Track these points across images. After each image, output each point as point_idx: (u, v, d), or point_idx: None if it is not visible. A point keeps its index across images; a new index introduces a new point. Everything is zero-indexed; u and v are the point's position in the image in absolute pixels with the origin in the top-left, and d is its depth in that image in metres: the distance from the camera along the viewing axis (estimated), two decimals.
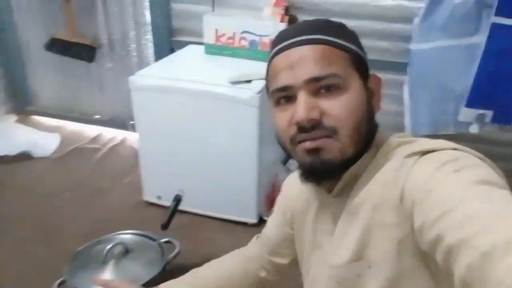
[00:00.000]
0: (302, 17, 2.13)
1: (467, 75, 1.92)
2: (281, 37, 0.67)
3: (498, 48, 1.83)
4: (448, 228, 0.46)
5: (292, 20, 2.06)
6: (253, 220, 1.96)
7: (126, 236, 1.54)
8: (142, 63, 2.52)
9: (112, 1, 2.46)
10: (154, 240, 1.51)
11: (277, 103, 0.67)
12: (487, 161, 0.57)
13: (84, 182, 2.25)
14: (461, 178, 0.52)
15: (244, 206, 1.94)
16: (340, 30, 0.67)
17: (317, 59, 0.62)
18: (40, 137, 2.59)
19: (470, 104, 1.94)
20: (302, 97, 0.62)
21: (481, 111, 1.94)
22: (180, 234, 1.67)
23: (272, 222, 0.93)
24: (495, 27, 1.81)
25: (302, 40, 0.64)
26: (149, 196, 2.07)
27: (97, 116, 2.82)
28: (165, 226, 1.55)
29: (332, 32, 0.65)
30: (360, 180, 0.66)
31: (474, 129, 1.99)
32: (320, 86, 0.62)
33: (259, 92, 1.69)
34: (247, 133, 1.78)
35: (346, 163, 0.65)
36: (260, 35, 2.03)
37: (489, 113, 1.95)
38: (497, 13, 1.79)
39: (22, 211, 2.02)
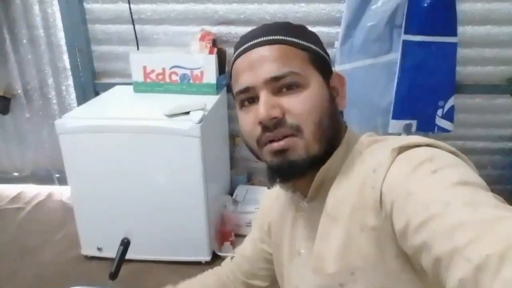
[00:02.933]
0: (229, 50, 2.16)
1: (390, 90, 2.06)
2: (242, 41, 0.68)
3: (411, 63, 2.01)
4: (435, 235, 0.45)
5: (220, 52, 2.07)
6: (206, 257, 1.85)
7: None
8: (64, 111, 2.36)
9: (25, 47, 2.31)
10: None
11: (242, 105, 0.67)
12: (460, 155, 0.57)
13: (9, 244, 2.01)
14: (440, 179, 0.51)
15: (195, 244, 1.83)
16: (300, 31, 0.68)
17: (275, 58, 0.63)
18: None
19: (396, 116, 2.08)
20: (263, 97, 0.63)
21: (407, 122, 2.09)
22: (130, 283, 1.52)
23: (249, 240, 0.91)
24: (406, 45, 1.99)
25: (261, 41, 0.65)
26: (88, 249, 1.87)
27: (15, 174, 2.56)
28: (113, 275, 1.35)
29: (291, 33, 0.66)
30: (336, 181, 0.65)
31: None
32: (281, 85, 0.63)
33: (200, 121, 1.65)
34: (191, 166, 1.71)
35: (314, 162, 0.64)
36: (191, 68, 2.02)
37: (414, 123, 2.10)
38: (406, 32, 1.97)
39: None
